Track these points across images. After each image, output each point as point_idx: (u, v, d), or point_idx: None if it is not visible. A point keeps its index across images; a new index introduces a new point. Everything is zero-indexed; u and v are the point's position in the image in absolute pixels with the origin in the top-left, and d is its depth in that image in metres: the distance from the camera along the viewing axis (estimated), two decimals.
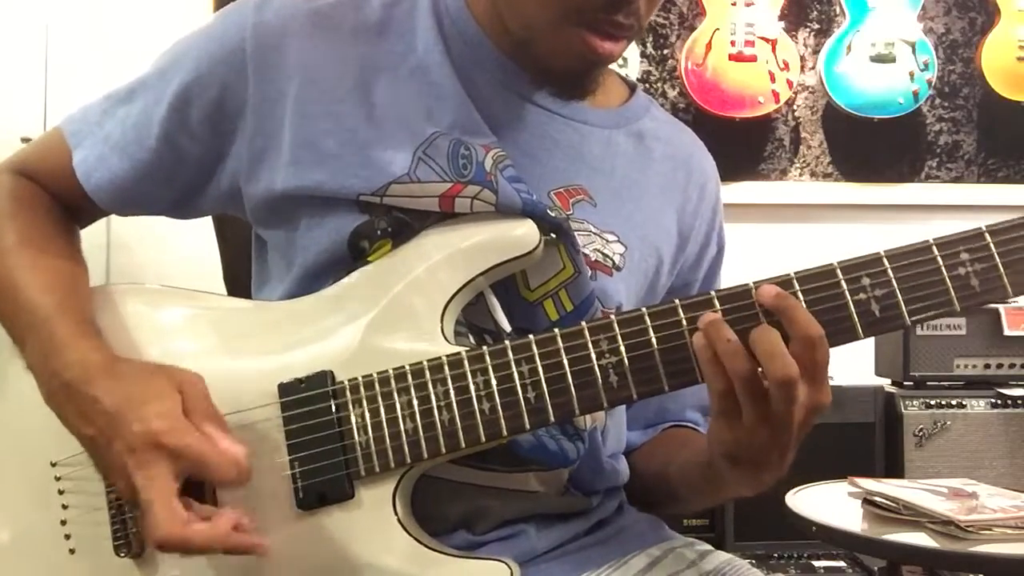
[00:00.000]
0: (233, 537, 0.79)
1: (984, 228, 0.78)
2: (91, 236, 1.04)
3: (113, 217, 1.05)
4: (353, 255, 0.89)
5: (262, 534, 0.84)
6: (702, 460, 0.89)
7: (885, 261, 0.78)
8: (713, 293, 0.80)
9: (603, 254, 0.94)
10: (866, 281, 0.78)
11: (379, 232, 0.88)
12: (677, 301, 0.80)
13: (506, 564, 0.84)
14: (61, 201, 1.01)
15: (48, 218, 1.00)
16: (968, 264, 0.78)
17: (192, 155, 0.95)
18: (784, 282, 0.79)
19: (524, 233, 0.86)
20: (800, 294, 0.78)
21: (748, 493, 0.88)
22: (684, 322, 0.79)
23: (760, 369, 0.75)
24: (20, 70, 2.72)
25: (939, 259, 0.78)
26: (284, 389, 0.86)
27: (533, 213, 0.87)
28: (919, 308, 0.78)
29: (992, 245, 0.78)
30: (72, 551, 0.90)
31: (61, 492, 0.91)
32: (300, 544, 0.85)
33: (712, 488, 0.94)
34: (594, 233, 0.94)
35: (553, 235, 0.88)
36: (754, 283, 0.79)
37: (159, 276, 0.99)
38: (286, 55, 0.91)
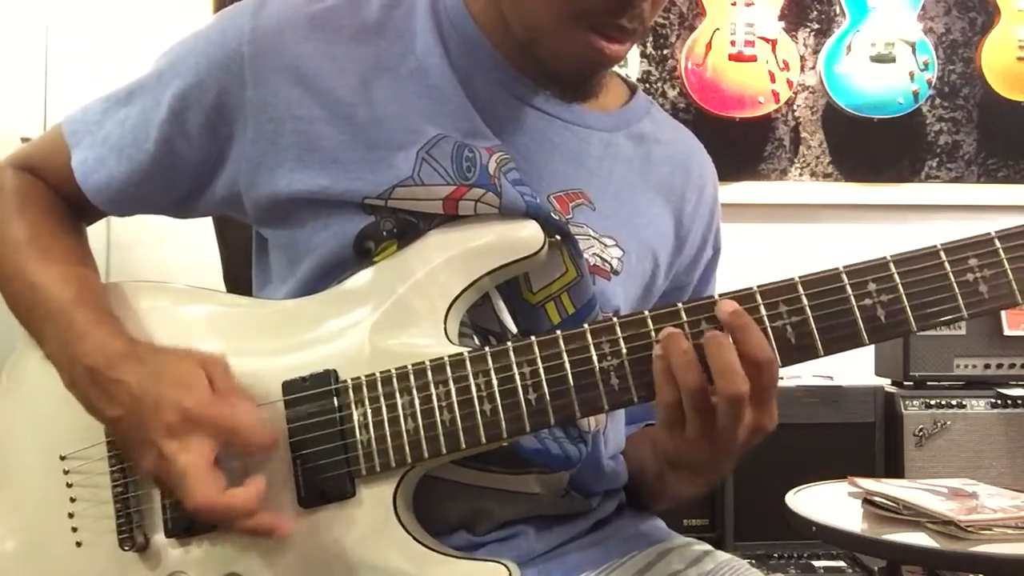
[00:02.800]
0: (262, 513, 0.81)
1: (993, 233, 0.77)
2: (91, 236, 1.04)
3: (113, 218, 1.05)
4: (359, 256, 0.89)
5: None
6: (654, 461, 0.91)
7: (892, 266, 0.78)
8: (716, 297, 0.79)
9: (601, 258, 0.94)
10: (872, 287, 0.78)
11: (385, 233, 0.89)
12: (680, 305, 0.80)
13: (505, 566, 0.84)
14: (64, 198, 1.01)
15: (54, 214, 1.00)
16: (977, 270, 0.77)
17: (190, 159, 0.95)
18: (788, 287, 0.79)
19: (529, 235, 0.87)
20: (804, 298, 0.78)
21: (687, 494, 0.92)
22: (687, 326, 0.79)
23: (710, 386, 0.76)
24: (20, 70, 2.72)
25: (947, 265, 0.77)
26: (288, 387, 0.86)
27: (537, 216, 0.88)
28: (926, 315, 0.77)
29: (1001, 251, 0.77)
30: (79, 544, 0.91)
31: (70, 485, 0.92)
32: (300, 541, 0.85)
33: (659, 486, 0.97)
34: (593, 237, 0.94)
35: (558, 237, 0.88)
36: (757, 287, 0.79)
37: (159, 276, 0.99)
38: (284, 59, 0.90)
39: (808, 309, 0.78)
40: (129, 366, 0.84)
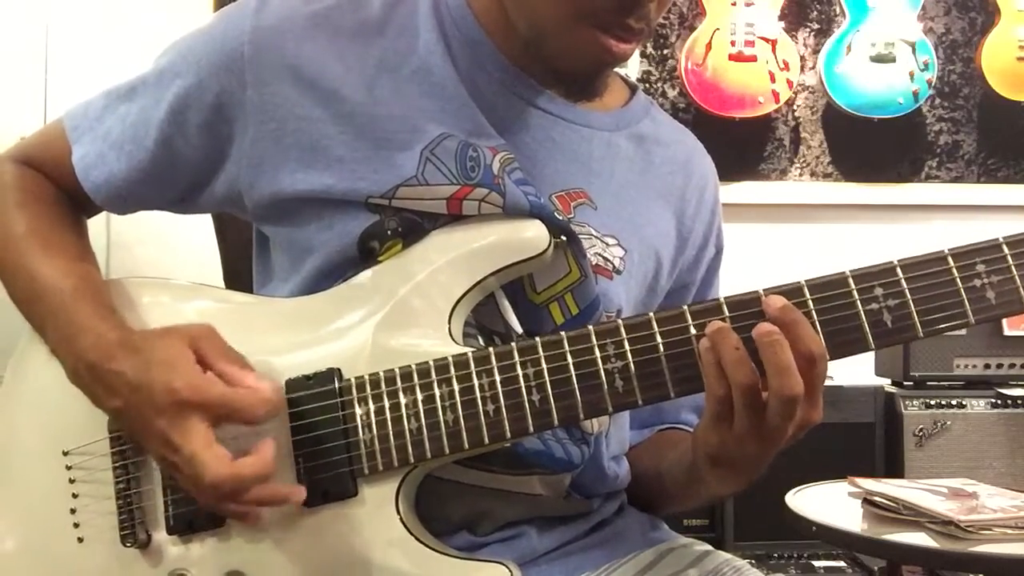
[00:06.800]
0: (271, 485, 0.80)
1: (1002, 239, 0.77)
2: (91, 235, 1.04)
3: (113, 216, 1.05)
4: (363, 255, 0.89)
5: (265, 528, 0.85)
6: (687, 459, 0.89)
7: (899, 271, 0.77)
8: (722, 300, 0.79)
9: (603, 257, 0.94)
10: (879, 291, 0.77)
11: (389, 232, 0.88)
12: (685, 307, 0.80)
13: (506, 566, 0.84)
14: (64, 191, 1.01)
15: (55, 208, 1.00)
16: (984, 276, 0.77)
17: (190, 158, 0.95)
18: (795, 290, 0.78)
19: (534, 235, 0.86)
20: (811, 302, 0.78)
21: (724, 492, 0.89)
22: (692, 328, 0.79)
23: (760, 380, 0.75)
24: (20, 70, 2.72)
25: (954, 270, 0.77)
26: (291, 385, 0.86)
27: (540, 216, 0.87)
28: (932, 320, 0.77)
29: (1010, 257, 0.77)
30: (81, 540, 0.91)
31: (72, 481, 0.92)
32: (302, 540, 0.85)
33: (693, 486, 0.95)
34: (595, 236, 0.94)
35: (564, 238, 0.88)
36: (764, 291, 0.78)
37: (159, 275, 0.99)
38: (286, 58, 0.90)
39: (814, 313, 0.77)
40: (125, 356, 0.84)
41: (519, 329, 0.89)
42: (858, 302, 0.77)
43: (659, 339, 0.79)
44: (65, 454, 0.92)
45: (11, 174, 1.01)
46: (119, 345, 0.85)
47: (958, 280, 0.77)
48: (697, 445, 0.84)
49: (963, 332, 2.64)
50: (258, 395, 0.81)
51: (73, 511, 0.91)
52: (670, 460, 0.98)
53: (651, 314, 0.80)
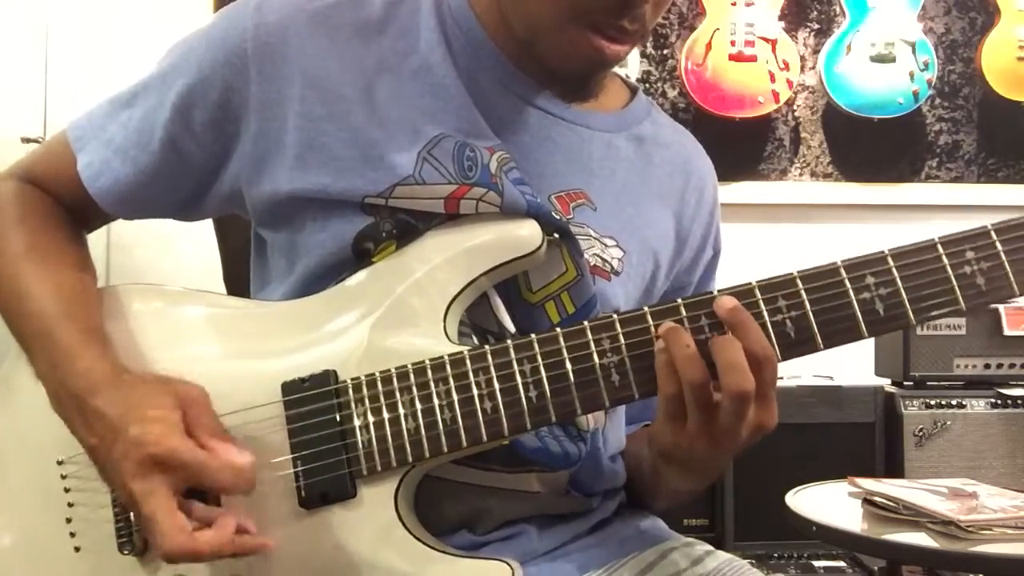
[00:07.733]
0: (238, 540, 0.80)
1: (990, 226, 0.78)
2: (91, 237, 1.04)
3: (113, 219, 1.05)
4: (357, 257, 0.89)
5: (265, 533, 0.84)
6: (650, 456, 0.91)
7: (889, 260, 0.78)
8: (716, 293, 0.80)
9: (602, 259, 0.94)
10: (870, 280, 0.78)
11: (384, 234, 0.88)
12: (680, 300, 0.80)
13: (508, 564, 0.84)
14: (67, 206, 1.01)
15: (55, 224, 0.99)
16: (974, 263, 0.78)
17: (196, 157, 0.95)
18: (786, 281, 0.79)
19: (528, 233, 0.87)
20: (803, 293, 0.79)
21: (683, 488, 0.92)
22: (686, 321, 0.79)
23: (713, 381, 0.76)
24: (20, 70, 2.72)
25: (944, 258, 0.78)
26: (287, 388, 0.86)
27: (538, 215, 0.88)
28: (924, 307, 0.78)
29: (998, 243, 0.78)
30: (77, 549, 0.91)
31: (67, 490, 0.91)
32: (302, 543, 0.85)
33: (658, 481, 0.96)
34: (594, 237, 0.94)
35: (557, 235, 0.88)
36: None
37: (159, 277, 0.99)
38: (288, 56, 0.90)
39: (807, 303, 0.78)
40: (109, 394, 0.82)
41: (512, 328, 0.89)
42: (850, 291, 0.78)
43: (654, 332, 0.80)
44: (60, 463, 0.91)
45: (12, 191, 1.00)
46: (107, 382, 0.84)
47: (948, 267, 0.78)
48: (652, 442, 0.85)
49: (963, 332, 2.64)
50: (231, 466, 0.79)
51: (69, 520, 0.91)
52: (640, 454, 1.00)
53: (645, 308, 0.81)
